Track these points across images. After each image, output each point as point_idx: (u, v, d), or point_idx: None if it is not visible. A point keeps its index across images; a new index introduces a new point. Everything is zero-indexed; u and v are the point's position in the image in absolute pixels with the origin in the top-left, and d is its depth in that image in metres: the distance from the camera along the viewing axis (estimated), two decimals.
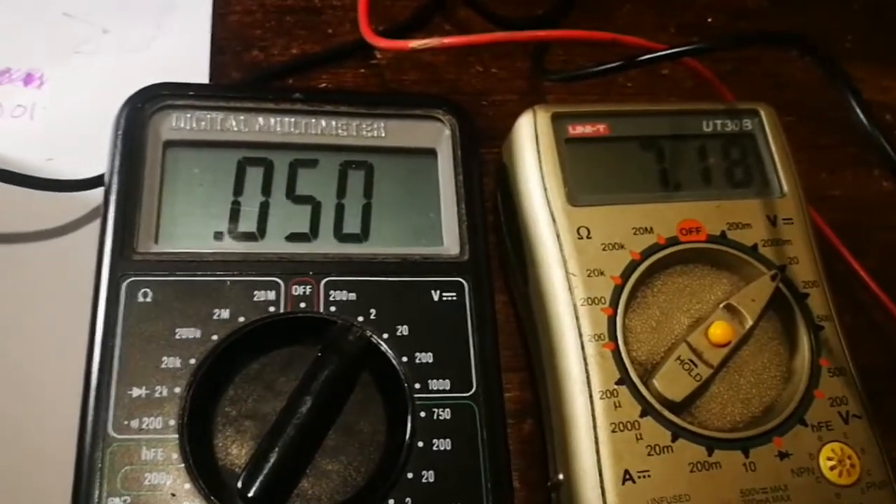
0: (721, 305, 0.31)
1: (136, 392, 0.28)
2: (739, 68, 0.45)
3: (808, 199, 0.35)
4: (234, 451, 0.29)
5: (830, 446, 0.30)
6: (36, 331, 0.34)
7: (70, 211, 0.36)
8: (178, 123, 0.33)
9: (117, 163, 0.32)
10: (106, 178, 0.32)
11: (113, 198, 0.31)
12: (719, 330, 0.31)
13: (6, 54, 0.40)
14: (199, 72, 0.40)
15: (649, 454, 0.29)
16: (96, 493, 0.27)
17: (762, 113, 0.36)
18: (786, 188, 0.35)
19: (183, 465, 0.27)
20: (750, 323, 0.31)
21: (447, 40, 0.36)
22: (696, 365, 0.30)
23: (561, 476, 0.30)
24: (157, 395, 0.28)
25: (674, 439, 0.29)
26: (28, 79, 0.39)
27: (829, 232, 0.38)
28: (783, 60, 0.46)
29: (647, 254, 0.32)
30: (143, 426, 0.28)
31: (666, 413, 0.29)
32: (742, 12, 0.48)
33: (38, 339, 0.34)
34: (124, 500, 0.27)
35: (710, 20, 0.48)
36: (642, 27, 0.46)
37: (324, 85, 0.41)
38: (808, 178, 0.36)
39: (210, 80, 0.40)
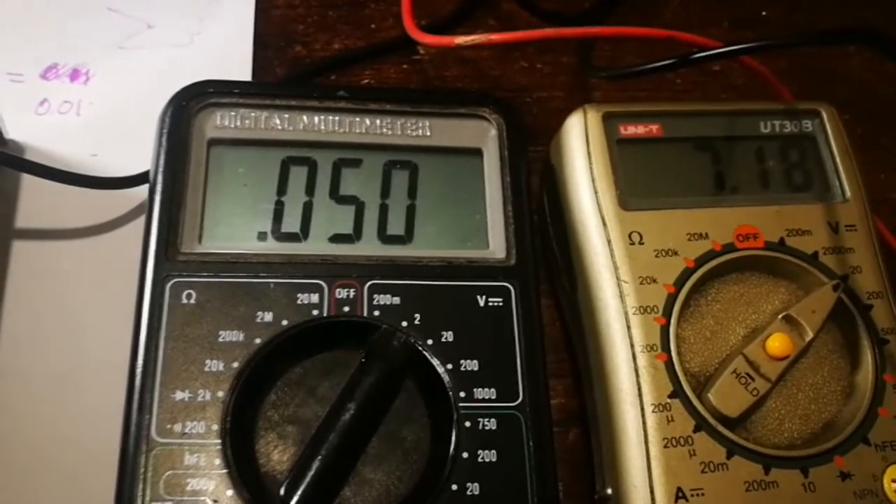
0: (780, 317, 0.30)
1: (179, 395, 0.28)
2: (794, 64, 0.43)
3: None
4: (276, 456, 0.28)
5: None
6: (80, 329, 0.34)
7: (114, 207, 0.36)
8: (223, 122, 0.33)
9: (162, 161, 0.32)
10: (151, 177, 0.32)
11: (158, 197, 0.31)
12: (778, 342, 0.30)
13: (53, 50, 0.40)
14: (242, 67, 0.40)
15: (703, 471, 0.28)
16: (139, 497, 0.27)
17: (823, 113, 0.35)
18: (848, 193, 0.33)
19: (225, 470, 0.27)
20: (810, 335, 0.30)
21: (494, 37, 0.35)
22: (752, 379, 0.29)
23: (609, 490, 0.29)
24: (200, 398, 0.28)
25: (729, 456, 0.28)
26: (74, 74, 0.39)
27: (891, 237, 0.37)
28: (840, 56, 0.45)
29: (701, 261, 0.31)
30: (186, 430, 0.27)
31: (721, 428, 0.28)
32: (798, 4, 0.46)
33: (81, 338, 0.34)
34: None
35: (764, 13, 0.46)
36: (693, 21, 0.45)
37: (366, 81, 0.41)
38: (863, 181, 0.34)
39: (253, 75, 0.40)
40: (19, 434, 0.32)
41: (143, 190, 0.35)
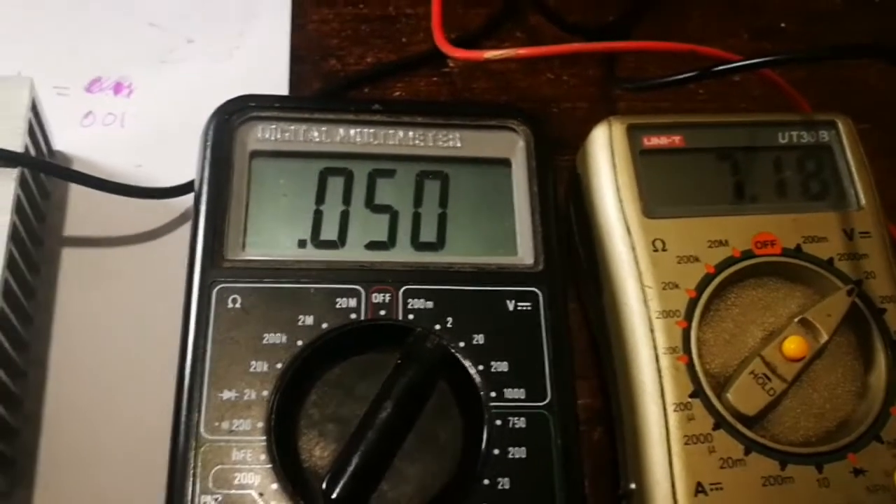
0: (796, 320, 0.31)
1: (226, 395, 0.30)
2: (812, 75, 0.44)
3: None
4: (318, 452, 0.30)
5: None
6: (128, 334, 0.36)
7: (159, 216, 0.38)
8: (264, 134, 0.35)
9: (206, 172, 0.33)
10: (196, 187, 0.34)
11: (203, 207, 0.33)
12: (794, 345, 0.31)
13: (97, 64, 0.42)
14: (279, 80, 0.41)
15: (722, 467, 0.29)
16: (189, 491, 0.28)
17: (840, 124, 0.36)
18: (863, 201, 0.34)
19: (270, 465, 0.29)
20: (825, 338, 0.31)
21: (522, 51, 0.36)
22: (769, 379, 0.30)
23: (633, 485, 0.31)
24: (245, 398, 0.30)
25: (746, 453, 0.29)
26: (118, 87, 0.41)
27: None
28: (857, 66, 0.46)
29: (721, 267, 0.32)
30: (234, 428, 0.29)
31: (739, 426, 0.30)
32: (816, 15, 0.48)
33: (130, 343, 0.35)
34: (216, 499, 0.28)
35: (783, 25, 0.47)
36: (713, 33, 0.46)
37: (398, 93, 0.42)
38: (880, 189, 0.36)
39: (290, 88, 0.41)
40: (77, 433, 0.34)
41: (186, 199, 0.37)
